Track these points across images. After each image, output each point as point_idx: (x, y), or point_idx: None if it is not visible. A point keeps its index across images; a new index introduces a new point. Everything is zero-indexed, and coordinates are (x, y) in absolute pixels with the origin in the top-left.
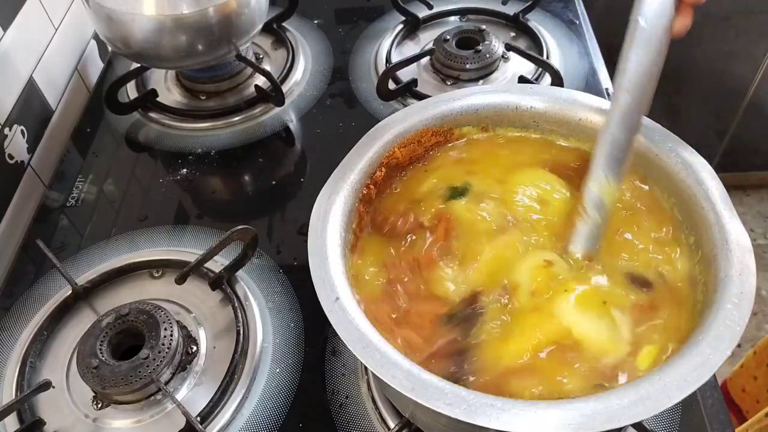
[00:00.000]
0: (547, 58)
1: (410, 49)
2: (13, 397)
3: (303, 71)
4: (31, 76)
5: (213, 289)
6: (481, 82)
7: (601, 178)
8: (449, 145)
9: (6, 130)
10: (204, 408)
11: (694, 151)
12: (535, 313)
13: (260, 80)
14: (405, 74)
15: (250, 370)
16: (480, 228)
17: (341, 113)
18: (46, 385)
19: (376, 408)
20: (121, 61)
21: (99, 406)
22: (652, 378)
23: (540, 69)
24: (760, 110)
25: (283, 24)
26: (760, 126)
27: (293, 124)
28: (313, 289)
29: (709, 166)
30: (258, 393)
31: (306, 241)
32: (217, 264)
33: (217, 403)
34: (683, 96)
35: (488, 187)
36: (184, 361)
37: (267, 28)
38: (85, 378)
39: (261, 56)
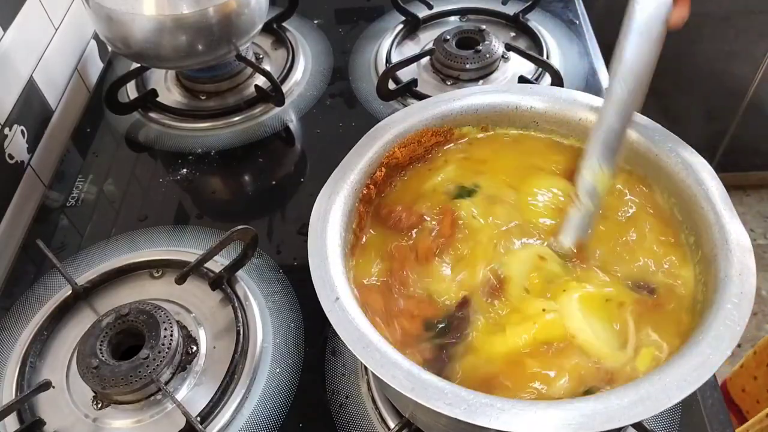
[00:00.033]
0: (547, 58)
1: (410, 49)
2: (13, 397)
3: (303, 71)
4: (31, 76)
5: (213, 289)
6: (481, 82)
7: (594, 167)
8: (459, 142)
9: (6, 130)
10: (204, 408)
11: (694, 151)
12: (528, 314)
13: (260, 80)
14: (405, 74)
15: (250, 370)
16: (484, 230)
17: (341, 113)
18: (46, 385)
19: (376, 408)
20: (121, 61)
21: (99, 406)
22: (652, 378)
23: (540, 69)
24: (760, 110)
25: (283, 24)
26: (760, 126)
27: (293, 124)
28: (313, 289)
29: (709, 166)
30: (258, 393)
31: (306, 241)
32: (217, 264)
33: (217, 403)
34: (683, 96)
35: (498, 190)
36: (184, 361)
37: (267, 28)
38: (85, 378)
39: (261, 56)
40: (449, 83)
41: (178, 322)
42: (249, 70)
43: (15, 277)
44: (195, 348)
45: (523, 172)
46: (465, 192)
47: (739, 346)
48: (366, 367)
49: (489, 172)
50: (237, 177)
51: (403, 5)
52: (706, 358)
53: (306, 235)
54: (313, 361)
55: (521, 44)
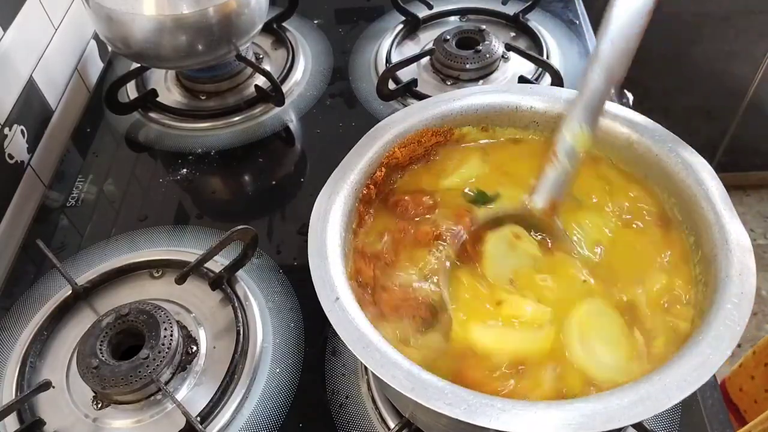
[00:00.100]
0: (547, 58)
1: (410, 49)
2: (13, 397)
3: (303, 71)
4: (31, 76)
5: (213, 289)
6: (481, 82)
7: (575, 127)
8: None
9: (6, 130)
10: (204, 408)
11: (694, 151)
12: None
13: (260, 80)
14: (405, 74)
15: (250, 370)
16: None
17: (341, 113)
18: (46, 385)
19: (376, 408)
20: (121, 61)
21: (99, 406)
22: (652, 378)
23: (540, 69)
24: (760, 110)
25: (283, 24)
26: (760, 126)
27: (293, 124)
28: (313, 289)
29: (709, 166)
30: (258, 393)
31: (306, 241)
32: (217, 264)
33: (217, 403)
34: (683, 96)
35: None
36: (184, 361)
37: (267, 28)
38: (85, 378)
39: (261, 56)
40: (449, 83)
41: (178, 322)
42: (249, 70)
43: (15, 277)
44: (195, 348)
45: None
46: (483, 199)
47: (739, 346)
48: (366, 367)
49: (510, 183)
50: (237, 177)
51: (403, 5)
52: (706, 358)
53: (306, 235)
54: (313, 361)
55: (521, 44)
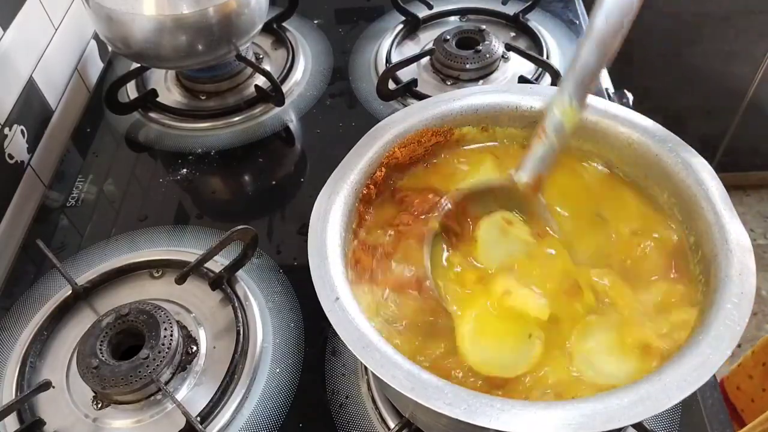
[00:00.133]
0: (547, 58)
1: (410, 49)
2: (13, 397)
3: (303, 71)
4: (31, 76)
5: (213, 289)
6: (481, 82)
7: (565, 102)
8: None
9: (6, 130)
10: (204, 408)
11: (694, 151)
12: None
13: (260, 80)
14: (405, 74)
15: (250, 370)
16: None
17: (341, 113)
18: (46, 385)
19: (376, 408)
20: (121, 61)
21: (99, 406)
22: (652, 378)
23: (540, 69)
24: (760, 110)
25: (283, 24)
26: (760, 126)
27: (293, 124)
28: (313, 289)
29: (709, 166)
30: (258, 393)
31: (306, 241)
32: (217, 264)
33: (217, 403)
34: (683, 96)
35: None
36: (184, 361)
37: (267, 28)
38: (85, 378)
39: (261, 56)
40: (449, 83)
41: (178, 322)
42: (249, 70)
43: (15, 277)
44: (195, 348)
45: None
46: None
47: (739, 346)
48: (366, 367)
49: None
50: (237, 177)
51: (403, 5)
52: (706, 358)
53: (306, 235)
54: (313, 361)
55: (521, 44)
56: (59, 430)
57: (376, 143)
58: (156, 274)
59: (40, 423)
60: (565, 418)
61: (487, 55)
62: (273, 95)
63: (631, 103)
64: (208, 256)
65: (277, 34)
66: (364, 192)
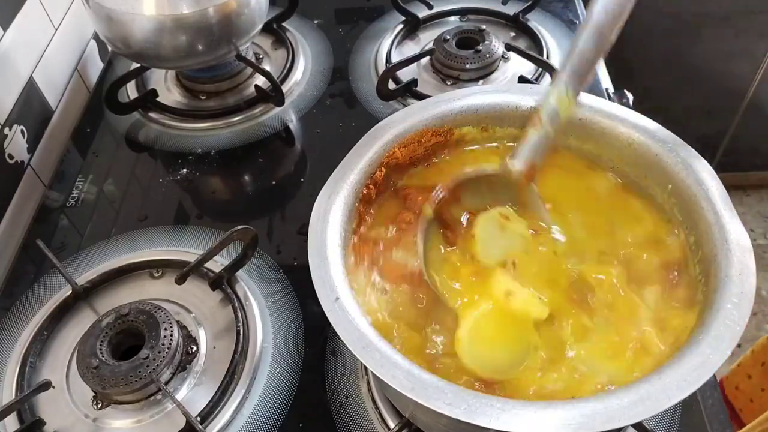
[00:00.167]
0: (547, 58)
1: (410, 49)
2: (13, 397)
3: (303, 71)
4: (31, 76)
5: (213, 289)
6: (481, 82)
7: (561, 91)
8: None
9: (6, 130)
10: (204, 408)
11: (693, 150)
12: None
13: (260, 80)
14: (405, 74)
15: (250, 370)
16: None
17: (341, 113)
18: (46, 385)
19: (376, 408)
20: (121, 61)
21: (99, 406)
22: (652, 378)
23: (540, 69)
24: (760, 110)
25: (283, 24)
26: (760, 126)
27: (293, 124)
28: (313, 289)
29: (709, 166)
30: (258, 393)
31: (306, 241)
32: (217, 264)
33: (217, 403)
34: (683, 96)
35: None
36: (184, 361)
37: (267, 28)
38: (85, 378)
39: (261, 56)
40: (449, 83)
41: (178, 322)
42: (249, 70)
43: (15, 277)
44: (195, 348)
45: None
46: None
47: (739, 346)
48: (366, 367)
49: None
50: (237, 177)
51: (403, 5)
52: (706, 358)
53: (306, 235)
54: (313, 361)
55: (521, 44)
56: (59, 430)
57: (376, 143)
58: (156, 274)
59: (40, 423)
60: (565, 418)
61: (487, 55)
62: (273, 95)
63: (631, 103)
64: (208, 256)
65: (277, 34)
66: (364, 192)
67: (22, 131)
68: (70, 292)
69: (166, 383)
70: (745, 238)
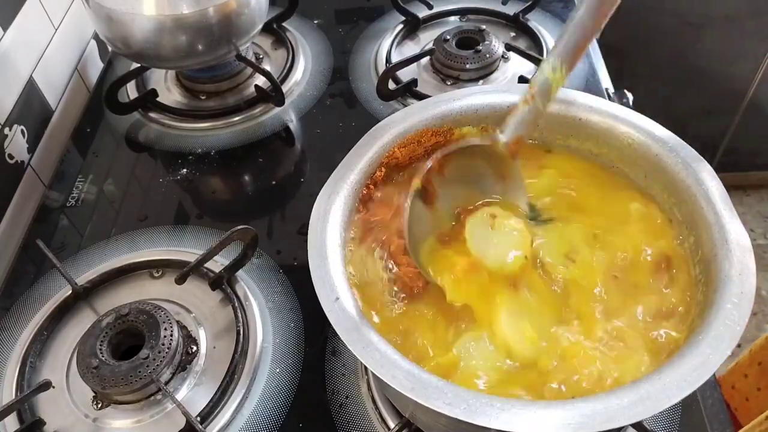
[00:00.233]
0: None
1: (410, 49)
2: (13, 397)
3: (303, 71)
4: (31, 76)
5: (213, 289)
6: (481, 82)
7: (555, 64)
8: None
9: (6, 130)
10: (204, 408)
11: (693, 150)
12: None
13: (260, 80)
14: (405, 74)
15: (250, 370)
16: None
17: (341, 113)
18: (46, 385)
19: (376, 408)
20: (121, 61)
21: (99, 406)
22: (652, 378)
23: None
24: (760, 110)
25: (283, 24)
26: (760, 126)
27: (293, 124)
28: (313, 289)
29: (709, 166)
30: (258, 393)
31: (306, 241)
32: (217, 264)
33: (217, 403)
34: (683, 96)
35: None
36: (184, 361)
37: (267, 28)
38: (85, 378)
39: (261, 56)
40: (449, 83)
41: (178, 322)
42: (249, 70)
43: (15, 277)
44: (195, 348)
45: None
46: (535, 215)
47: (738, 346)
48: (366, 367)
49: (565, 204)
50: (237, 177)
51: (403, 5)
52: (706, 358)
53: (306, 235)
54: (313, 361)
55: (521, 44)
56: (59, 430)
57: (376, 143)
58: (156, 274)
59: (40, 423)
60: (565, 418)
61: (487, 55)
62: (273, 95)
63: (631, 103)
64: (208, 256)
65: (277, 34)
66: (364, 192)
67: (22, 131)
68: (70, 292)
69: (166, 383)
70: (745, 238)
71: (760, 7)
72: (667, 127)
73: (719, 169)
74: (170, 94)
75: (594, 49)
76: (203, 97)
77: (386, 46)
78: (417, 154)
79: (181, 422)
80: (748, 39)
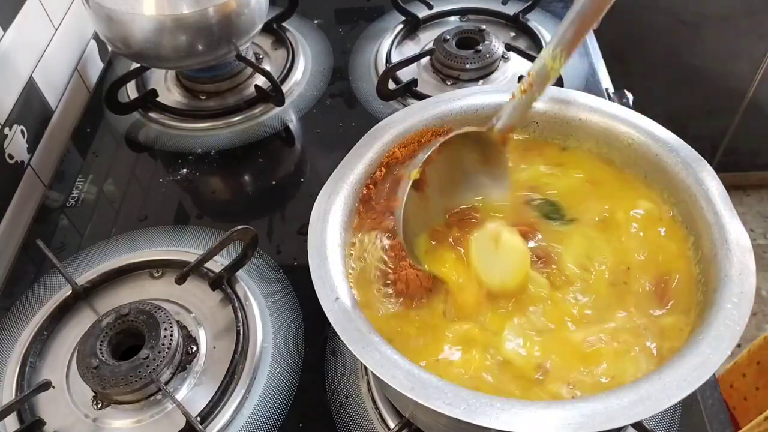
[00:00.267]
0: None
1: (410, 49)
2: (13, 397)
3: (303, 71)
4: (31, 76)
5: (213, 289)
6: (481, 82)
7: (556, 53)
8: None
9: (6, 130)
10: (204, 408)
11: (693, 150)
12: None
13: (260, 80)
14: (405, 74)
15: (250, 370)
16: None
17: (341, 113)
18: (46, 385)
19: (376, 408)
20: (121, 61)
21: (99, 406)
22: (652, 378)
23: None
24: (760, 110)
25: (283, 24)
26: (760, 126)
27: (293, 124)
28: (313, 289)
29: (709, 166)
30: (258, 393)
31: (306, 241)
32: (217, 264)
33: (217, 403)
34: (683, 96)
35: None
36: (184, 361)
37: (267, 28)
38: (85, 378)
39: (261, 56)
40: (449, 83)
41: (178, 322)
42: (249, 70)
43: (15, 277)
44: (195, 348)
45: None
46: (554, 211)
47: (738, 346)
48: (366, 367)
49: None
50: (237, 177)
51: (403, 5)
52: (706, 358)
53: (306, 235)
54: (313, 361)
55: (521, 44)
56: (59, 430)
57: (376, 143)
58: (156, 274)
59: (40, 423)
60: (565, 418)
61: (487, 55)
62: (273, 95)
63: (631, 103)
64: (208, 256)
65: (277, 34)
66: (364, 192)
67: (22, 131)
68: (70, 292)
69: (166, 383)
70: (745, 238)
71: (755, 5)
72: (667, 127)
73: (719, 169)
74: (170, 94)
75: (594, 50)
76: (203, 97)
77: (386, 46)
78: (417, 154)
79: (181, 422)
80: (744, 38)
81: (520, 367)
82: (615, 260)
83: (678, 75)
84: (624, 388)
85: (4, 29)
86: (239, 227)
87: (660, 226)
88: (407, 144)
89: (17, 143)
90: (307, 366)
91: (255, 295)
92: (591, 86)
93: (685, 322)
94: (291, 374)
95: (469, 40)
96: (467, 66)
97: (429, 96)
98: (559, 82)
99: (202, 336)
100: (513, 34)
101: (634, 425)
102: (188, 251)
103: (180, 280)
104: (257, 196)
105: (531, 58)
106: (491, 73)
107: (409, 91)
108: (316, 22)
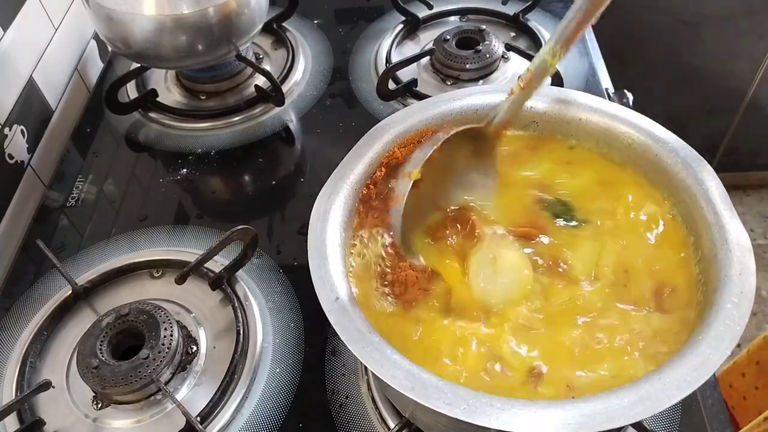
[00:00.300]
0: None
1: (410, 49)
2: (13, 397)
3: (303, 71)
4: (31, 76)
5: (213, 289)
6: (481, 82)
7: (555, 49)
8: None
9: (6, 130)
10: (204, 408)
11: (693, 150)
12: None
13: (260, 80)
14: (405, 74)
15: (250, 370)
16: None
17: (341, 113)
18: (46, 385)
19: (376, 408)
20: (121, 61)
21: (99, 406)
22: (652, 378)
23: None
24: (760, 110)
25: (283, 24)
26: (760, 126)
27: (293, 124)
28: (313, 289)
29: (709, 166)
30: (258, 393)
31: (306, 241)
32: (217, 264)
33: (217, 403)
34: (683, 96)
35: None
36: (184, 361)
37: (267, 28)
38: (85, 378)
39: (261, 56)
40: (449, 83)
41: (178, 322)
42: (249, 70)
43: (15, 277)
44: (195, 348)
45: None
46: (565, 211)
47: (738, 346)
48: (366, 367)
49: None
50: (237, 177)
51: (403, 5)
52: (706, 358)
53: (306, 235)
54: (313, 361)
55: (521, 44)
56: (59, 430)
57: (376, 143)
58: (156, 274)
59: (40, 423)
60: (565, 418)
61: (487, 55)
62: (273, 95)
63: (631, 103)
64: (208, 256)
65: (277, 34)
66: (364, 192)
67: (22, 131)
68: (70, 292)
69: (166, 383)
70: (745, 238)
71: (755, 5)
72: (667, 127)
73: (719, 169)
74: (170, 94)
75: (594, 49)
76: (203, 97)
77: (386, 46)
78: (415, 152)
79: (181, 422)
80: (744, 38)
81: (519, 367)
82: (618, 262)
83: (678, 75)
84: (624, 388)
85: (4, 29)
86: (239, 227)
87: (661, 227)
88: (407, 144)
89: (17, 143)
90: (307, 366)
91: (255, 295)
92: (591, 86)
93: (684, 323)
94: (291, 374)
95: (469, 40)
96: (467, 66)
97: (429, 96)
98: (559, 82)
99: (202, 336)
100: (513, 34)
101: (634, 425)
102: (188, 251)
103: (180, 280)
104: (257, 196)
105: (531, 58)
106: (491, 73)
107: (409, 91)
108: (316, 22)
